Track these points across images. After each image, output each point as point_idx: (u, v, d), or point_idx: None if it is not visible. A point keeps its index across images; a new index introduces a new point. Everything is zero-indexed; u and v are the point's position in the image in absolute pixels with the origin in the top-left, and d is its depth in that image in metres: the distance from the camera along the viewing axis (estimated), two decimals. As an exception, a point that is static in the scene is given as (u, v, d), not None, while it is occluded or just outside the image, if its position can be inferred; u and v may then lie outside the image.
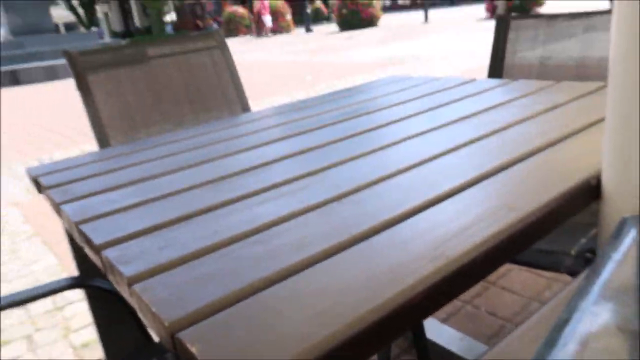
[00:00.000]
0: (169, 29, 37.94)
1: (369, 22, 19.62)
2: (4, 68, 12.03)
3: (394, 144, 0.86)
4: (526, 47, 1.75)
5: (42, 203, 3.15)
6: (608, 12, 1.59)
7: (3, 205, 3.20)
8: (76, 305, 1.94)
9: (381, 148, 0.84)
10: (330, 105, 1.24)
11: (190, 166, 0.85)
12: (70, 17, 40.48)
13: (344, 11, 19.55)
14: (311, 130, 1.01)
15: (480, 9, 19.38)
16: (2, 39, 14.15)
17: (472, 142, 0.81)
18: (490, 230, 0.51)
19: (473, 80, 1.33)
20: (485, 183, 0.63)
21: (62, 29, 36.71)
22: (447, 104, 1.11)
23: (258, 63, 10.53)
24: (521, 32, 1.74)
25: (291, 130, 1.03)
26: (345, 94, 1.37)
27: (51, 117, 6.49)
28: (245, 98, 1.55)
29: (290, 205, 0.63)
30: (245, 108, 1.54)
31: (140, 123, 1.38)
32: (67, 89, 9.89)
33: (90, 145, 4.63)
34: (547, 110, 0.95)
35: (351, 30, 18.53)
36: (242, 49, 16.01)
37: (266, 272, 0.47)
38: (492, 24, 13.65)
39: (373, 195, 0.63)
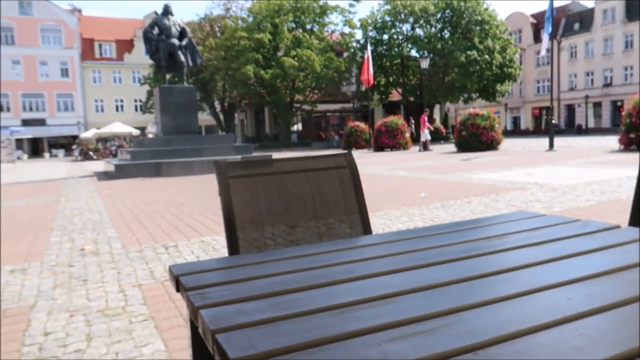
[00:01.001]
0: (294, 137, 41.18)
1: (489, 145, 19.55)
2: (152, 161, 13.73)
3: (530, 293, 0.81)
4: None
5: (161, 288, 3.37)
6: None
7: (128, 286, 3.47)
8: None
9: (516, 296, 0.80)
10: (454, 237, 1.22)
11: (318, 286, 0.88)
12: (211, 121, 45.81)
13: (464, 133, 19.79)
14: (436, 263, 1.00)
15: (613, 140, 18.44)
16: (155, 136, 16.30)
17: (616, 305, 0.74)
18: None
19: (616, 227, 1.24)
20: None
21: (203, 130, 41.32)
22: (585, 253, 1.03)
23: (374, 175, 10.85)
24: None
25: (415, 260, 1.03)
26: (469, 226, 1.35)
27: (182, 209, 7.13)
28: (368, 220, 1.59)
29: (421, 348, 0.61)
30: (367, 230, 1.58)
31: (268, 231, 1.47)
32: (198, 184, 10.92)
33: (209, 237, 4.97)
34: None
35: (470, 152, 18.55)
36: (360, 161, 16.69)
37: None
38: (626, 157, 12.84)
39: (513, 352, 0.59)
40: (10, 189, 12.34)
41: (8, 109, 47.95)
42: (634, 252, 1.00)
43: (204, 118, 38.61)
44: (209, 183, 10.91)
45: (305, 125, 45.25)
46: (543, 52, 17.61)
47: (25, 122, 48.01)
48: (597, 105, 46.84)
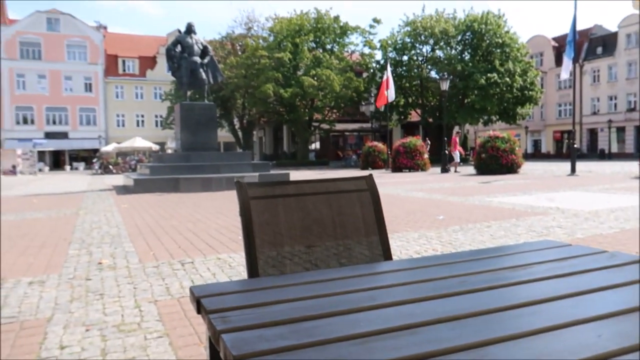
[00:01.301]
0: (312, 156, 41.34)
1: (509, 168, 19.35)
2: (170, 176, 13.88)
3: (558, 328, 0.79)
4: None
5: (176, 305, 3.37)
6: None
7: (144, 301, 3.48)
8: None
9: (543, 331, 0.77)
10: (477, 266, 1.20)
11: (339, 313, 0.86)
12: (229, 138, 46.30)
13: (483, 155, 19.63)
14: (459, 293, 0.98)
15: (636, 166, 18.10)
16: (174, 152, 16.50)
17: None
18: None
19: (644, 259, 1.20)
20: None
21: (221, 147, 41.82)
22: (614, 287, 1.00)
23: (392, 196, 10.79)
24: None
25: (437, 289, 1.01)
26: (493, 254, 1.32)
27: (198, 225, 7.17)
28: (389, 245, 1.57)
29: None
30: (387, 255, 1.56)
31: (287, 252, 1.47)
32: (215, 200, 10.99)
33: (226, 254, 4.97)
34: None
35: (489, 175, 18.37)
36: (377, 181, 16.64)
37: None
38: (649, 183, 12.58)
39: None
40: (31, 200, 12.57)
41: (32, 122, 49.24)
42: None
43: (223, 135, 39.09)
44: (226, 200, 10.97)
45: (323, 144, 45.43)
46: (564, 76, 17.45)
47: (48, 135, 49.18)
48: (621, 130, 46.17)
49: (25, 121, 49.23)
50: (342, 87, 35.64)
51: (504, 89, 35.56)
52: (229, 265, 4.53)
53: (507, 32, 37.13)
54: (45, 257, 5.11)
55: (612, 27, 48.50)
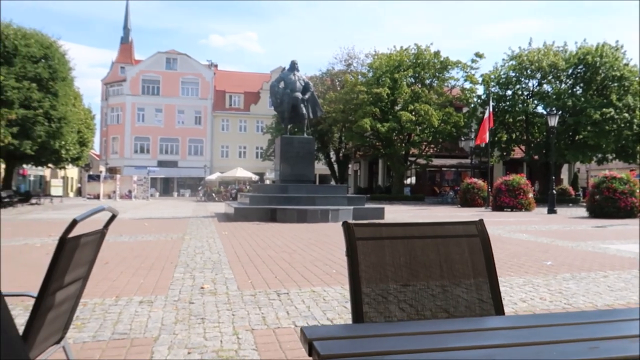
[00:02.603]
0: (407, 190, 40.76)
1: (628, 212, 17.56)
2: (268, 206, 14.37)
3: None
4: None
5: (271, 335, 3.41)
6: None
7: (241, 329, 3.57)
8: None
9: None
10: (607, 330, 1.07)
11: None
12: (325, 170, 47.18)
13: (597, 197, 18.05)
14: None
15: None
16: (272, 182, 17.08)
17: None
18: None
19: None
20: None
21: (317, 179, 42.66)
22: None
23: (492, 237, 10.18)
24: None
25: (564, 354, 0.91)
26: (623, 317, 1.18)
27: (294, 256, 7.30)
28: (500, 296, 1.47)
29: None
30: (499, 308, 1.46)
31: (392, 297, 1.43)
32: (310, 232, 11.15)
33: (320, 287, 4.98)
34: None
35: (604, 219, 16.80)
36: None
37: None
38: None
39: None
40: (143, 223, 13.65)
41: (147, 151, 54.10)
42: None
43: (319, 167, 39.92)
44: (321, 232, 11.10)
45: (419, 179, 44.68)
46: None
47: (161, 164, 53.64)
48: None
49: (142, 150, 54.26)
50: (440, 122, 35.04)
51: (622, 125, 32.68)
52: (323, 298, 4.53)
53: (627, 64, 34.39)
54: (154, 278, 5.48)
55: None
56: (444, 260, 1.51)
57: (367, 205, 16.53)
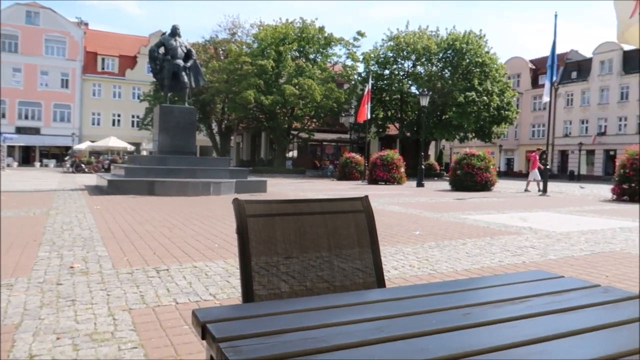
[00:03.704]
0: (289, 164, 41.29)
1: (483, 186, 19.68)
2: (146, 179, 13.65)
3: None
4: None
5: (151, 314, 3.28)
6: None
7: (117, 309, 3.38)
8: None
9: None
10: (478, 296, 1.20)
11: (350, 346, 0.84)
12: (206, 142, 45.88)
13: (459, 172, 19.92)
14: (467, 327, 0.97)
15: (605, 189, 18.62)
16: (150, 154, 16.22)
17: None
18: None
19: (637, 296, 1.22)
20: None
21: (198, 151, 41.32)
22: (613, 325, 1.02)
23: (368, 210, 10.83)
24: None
25: (444, 321, 1.00)
26: (492, 283, 1.32)
27: (174, 231, 7.05)
28: (382, 269, 1.57)
29: None
30: (381, 280, 1.55)
31: (283, 272, 1.44)
32: (191, 206, 10.84)
33: (202, 262, 4.89)
34: None
35: (464, 192, 18.64)
36: (353, 193, 16.74)
37: None
38: (618, 207, 12.95)
39: None
40: None
41: (3, 116, 47.89)
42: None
43: (200, 139, 38.61)
44: (202, 206, 10.84)
45: (300, 153, 45.46)
46: (546, 99, 17.89)
47: (20, 130, 47.92)
48: (590, 153, 47.54)
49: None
50: (323, 97, 35.79)
51: (482, 107, 36.29)
52: (205, 274, 4.46)
53: (487, 52, 37.98)
54: (14, 258, 4.94)
55: (587, 53, 50.07)
56: (332, 236, 1.56)
57: (249, 178, 16.45)
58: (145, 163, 15.69)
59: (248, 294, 1.37)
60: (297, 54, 38.84)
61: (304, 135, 40.12)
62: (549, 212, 11.35)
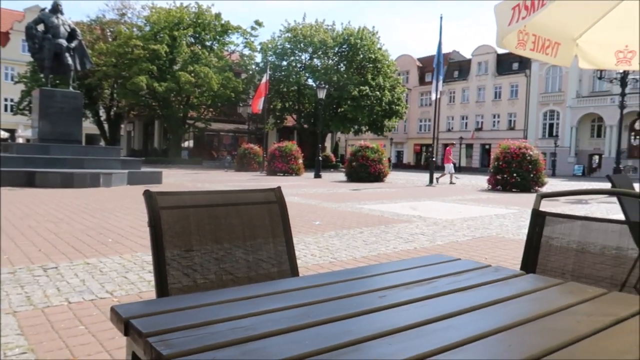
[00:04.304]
0: (185, 154, 39.88)
1: (376, 177, 20.62)
2: (24, 169, 12.42)
3: (472, 341, 0.89)
4: (560, 243, 1.85)
5: (40, 316, 3.04)
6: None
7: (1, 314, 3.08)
8: None
9: (458, 345, 0.87)
10: (391, 279, 1.29)
11: (277, 333, 0.87)
12: (94, 130, 42.73)
13: (354, 164, 20.66)
14: (385, 307, 1.05)
15: (482, 180, 20.46)
16: (28, 142, 14.75)
17: (546, 352, 0.84)
18: None
19: (522, 274, 1.40)
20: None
21: (84, 139, 38.43)
22: (505, 300, 1.16)
23: (268, 200, 10.85)
24: (556, 228, 1.86)
25: (362, 304, 1.07)
26: (402, 267, 1.43)
27: (61, 226, 6.53)
28: (295, 258, 1.61)
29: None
30: (294, 268, 1.59)
31: (198, 265, 1.43)
32: (79, 198, 10.09)
33: (95, 258, 4.60)
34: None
35: (359, 183, 19.39)
36: (253, 184, 16.65)
37: None
38: (494, 196, 14.32)
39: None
40: None
41: None
42: (546, 299, 1.15)
43: (87, 126, 35.95)
44: (91, 198, 10.13)
45: (197, 143, 44.12)
46: (434, 96, 19.15)
47: None
48: (469, 147, 51.84)
49: None
50: (220, 86, 34.99)
51: (375, 101, 37.88)
52: (99, 270, 4.20)
53: (380, 49, 39.63)
54: None
55: (467, 55, 54.32)
56: (246, 226, 1.57)
57: (143, 169, 15.65)
58: (23, 152, 14.23)
59: (162, 288, 1.34)
60: (193, 40, 37.50)
61: (200, 124, 38.96)
62: (435, 201, 12.23)
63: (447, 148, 22.48)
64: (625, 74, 18.04)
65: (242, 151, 28.53)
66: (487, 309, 1.08)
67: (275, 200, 1.69)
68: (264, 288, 1.17)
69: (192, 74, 33.71)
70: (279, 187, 1.73)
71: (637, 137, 40.67)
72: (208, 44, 38.33)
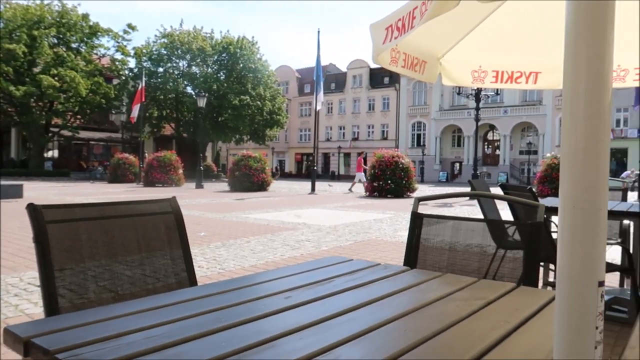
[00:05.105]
0: (48, 165, 36.27)
1: (260, 186, 20.66)
2: None
3: (371, 331, 0.99)
4: (436, 240, 2.07)
5: None
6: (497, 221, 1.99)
7: None
8: None
9: (363, 333, 0.96)
10: (297, 280, 1.35)
11: (191, 339, 0.88)
12: None
13: (237, 173, 20.50)
14: (288, 308, 1.11)
15: (360, 187, 21.51)
16: None
17: (430, 336, 0.97)
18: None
19: (407, 269, 1.55)
20: None
21: None
22: (396, 293, 1.29)
23: (148, 213, 10.33)
24: (432, 228, 2.07)
25: (264, 307, 1.11)
26: (297, 270, 1.50)
27: None
28: (193, 268, 1.61)
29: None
30: (192, 278, 1.59)
31: (91, 280, 1.36)
32: None
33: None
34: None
35: (242, 192, 19.26)
36: (129, 196, 15.71)
37: None
38: (371, 202, 15.16)
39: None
40: None
41: None
42: (430, 289, 1.30)
43: None
44: None
45: (63, 153, 40.41)
46: (319, 107, 19.77)
47: None
48: (347, 155, 54.22)
49: None
50: (89, 91, 32.52)
51: (255, 111, 37.98)
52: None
53: (260, 58, 39.87)
54: None
55: (343, 68, 56.88)
56: (142, 238, 1.52)
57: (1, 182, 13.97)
58: None
59: (52, 307, 1.26)
60: (56, 41, 34.39)
61: (66, 133, 35.75)
62: (318, 209, 12.61)
63: (359, 157, 23.56)
64: (479, 90, 20.27)
65: (116, 161, 26.77)
66: (382, 302, 1.19)
67: (171, 211, 1.67)
68: (169, 298, 1.17)
69: (56, 78, 30.91)
70: (174, 197, 1.71)
71: (490, 146, 45.84)
72: (74, 45, 35.39)
